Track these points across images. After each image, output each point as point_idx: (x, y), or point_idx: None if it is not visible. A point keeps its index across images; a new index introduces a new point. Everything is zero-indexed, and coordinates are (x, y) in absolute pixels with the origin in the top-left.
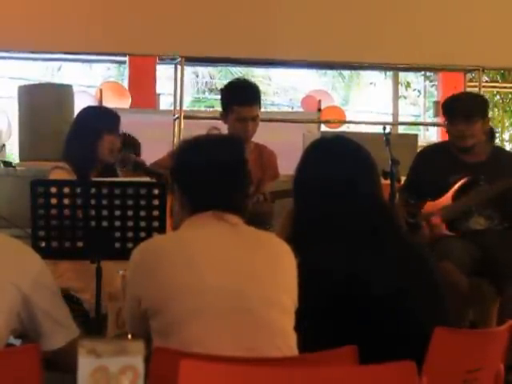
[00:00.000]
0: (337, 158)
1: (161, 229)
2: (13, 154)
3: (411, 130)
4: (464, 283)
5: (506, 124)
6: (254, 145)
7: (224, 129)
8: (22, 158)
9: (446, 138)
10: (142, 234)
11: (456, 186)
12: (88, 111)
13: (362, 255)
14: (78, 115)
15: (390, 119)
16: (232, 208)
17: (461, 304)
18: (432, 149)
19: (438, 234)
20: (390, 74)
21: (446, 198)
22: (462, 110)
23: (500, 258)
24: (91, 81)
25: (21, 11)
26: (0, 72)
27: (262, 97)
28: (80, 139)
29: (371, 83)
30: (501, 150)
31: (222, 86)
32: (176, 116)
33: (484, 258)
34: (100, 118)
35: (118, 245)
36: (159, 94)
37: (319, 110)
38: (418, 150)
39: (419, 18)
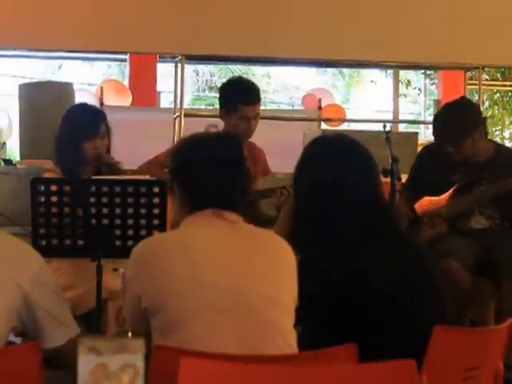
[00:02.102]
0: (337, 156)
1: (161, 227)
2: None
3: (411, 128)
4: (467, 282)
5: (507, 122)
6: (244, 143)
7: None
8: (22, 156)
9: None
10: (143, 232)
11: (457, 185)
12: (69, 115)
13: (361, 254)
14: (63, 117)
15: (390, 117)
16: (231, 205)
17: (462, 302)
18: (435, 147)
19: (440, 231)
20: (390, 72)
21: (446, 197)
22: (447, 138)
23: (499, 257)
24: (92, 79)
25: (21, 9)
26: (1, 70)
27: (262, 95)
28: (62, 144)
29: (372, 81)
30: (504, 148)
31: (222, 85)
32: (176, 114)
33: (484, 258)
34: (77, 126)
35: (118, 243)
36: (159, 92)
37: (320, 108)
38: (421, 148)
39: (419, 16)
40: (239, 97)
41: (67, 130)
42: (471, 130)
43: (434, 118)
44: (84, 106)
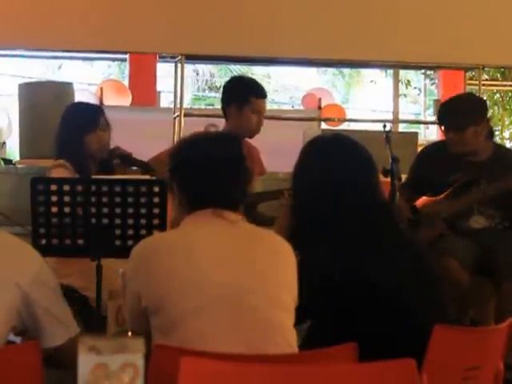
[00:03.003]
0: (335, 156)
1: (161, 226)
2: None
3: (411, 128)
4: (466, 281)
5: (506, 122)
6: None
7: (222, 126)
8: (22, 155)
9: None
10: (143, 232)
11: (456, 185)
12: (68, 112)
13: (361, 254)
14: (62, 115)
15: (390, 117)
16: (231, 205)
17: (462, 302)
18: (434, 147)
19: (439, 231)
20: (390, 72)
21: (445, 196)
22: (451, 121)
23: (499, 256)
24: (92, 79)
25: (21, 9)
26: (0, 70)
27: None
28: (66, 142)
29: (371, 81)
30: (503, 148)
31: (227, 82)
32: (176, 114)
33: (483, 257)
34: (77, 121)
35: (118, 242)
36: (159, 92)
37: (319, 108)
38: (420, 149)
39: (419, 16)
40: (251, 89)
41: (68, 126)
42: (476, 117)
43: (441, 105)
44: (81, 102)
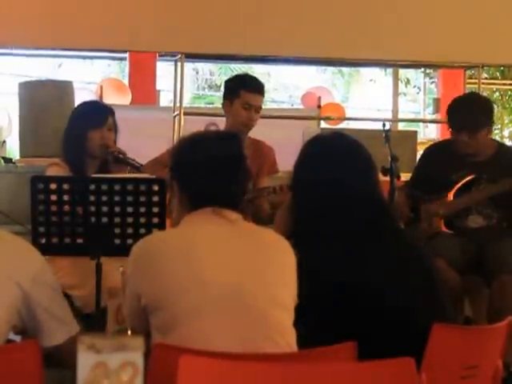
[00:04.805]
0: (335, 155)
1: (160, 225)
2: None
3: (411, 127)
4: (454, 280)
5: (506, 121)
6: (251, 140)
7: (223, 125)
8: (22, 154)
9: (446, 135)
10: (142, 231)
11: (458, 185)
12: (77, 108)
13: (360, 253)
14: (71, 112)
15: (389, 116)
16: (231, 204)
17: (454, 301)
18: (436, 147)
19: (436, 229)
20: (389, 70)
21: (449, 197)
22: (467, 124)
23: (491, 255)
24: (91, 77)
25: (21, 8)
26: (0, 68)
27: None
28: (69, 137)
29: (371, 80)
30: (505, 148)
31: (226, 79)
32: (176, 112)
33: (478, 256)
34: (85, 116)
35: (117, 241)
36: (159, 91)
37: (319, 106)
38: (419, 147)
39: (419, 14)
40: (242, 83)
41: (75, 121)
42: (489, 120)
43: (452, 107)
44: (93, 100)
